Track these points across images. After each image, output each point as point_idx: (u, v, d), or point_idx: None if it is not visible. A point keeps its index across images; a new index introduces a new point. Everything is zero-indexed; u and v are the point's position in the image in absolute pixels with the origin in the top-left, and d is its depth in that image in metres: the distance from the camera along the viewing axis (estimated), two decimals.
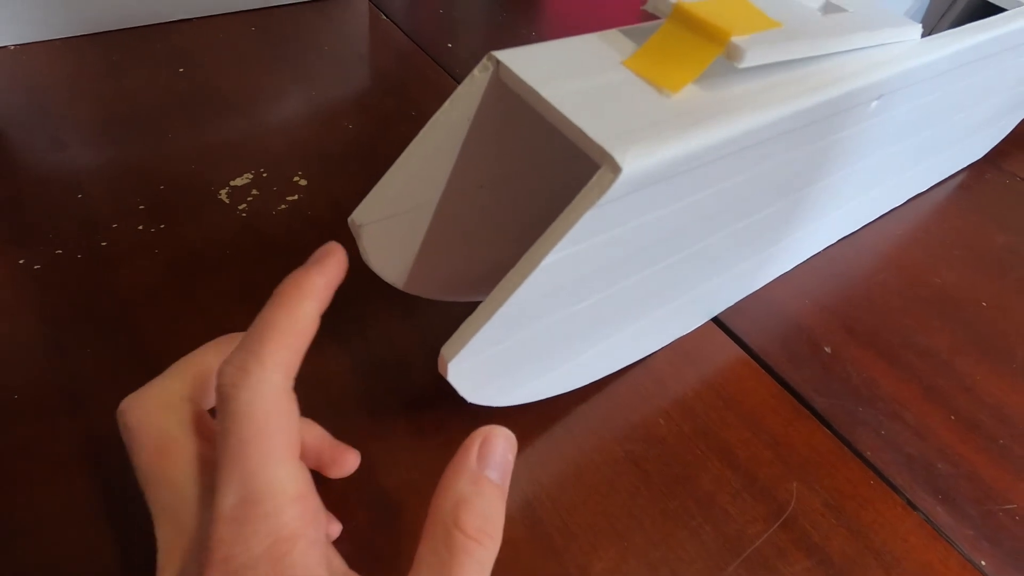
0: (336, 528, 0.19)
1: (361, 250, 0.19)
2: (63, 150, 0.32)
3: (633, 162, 0.14)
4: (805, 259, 0.31)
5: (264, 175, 0.32)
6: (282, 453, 0.13)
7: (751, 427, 0.24)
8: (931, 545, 0.22)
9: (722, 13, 0.17)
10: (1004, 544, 0.22)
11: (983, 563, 0.21)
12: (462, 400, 0.19)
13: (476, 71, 0.17)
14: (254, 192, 0.31)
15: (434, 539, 0.14)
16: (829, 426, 0.25)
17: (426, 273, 0.21)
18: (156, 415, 0.15)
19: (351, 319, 0.26)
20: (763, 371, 0.26)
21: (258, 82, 0.38)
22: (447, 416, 0.23)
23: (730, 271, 0.26)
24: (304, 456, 0.17)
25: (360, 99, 0.38)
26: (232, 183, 0.31)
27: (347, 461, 0.20)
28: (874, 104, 0.22)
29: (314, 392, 0.23)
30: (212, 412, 0.16)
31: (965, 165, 0.39)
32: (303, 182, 0.32)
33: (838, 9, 0.21)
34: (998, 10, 0.28)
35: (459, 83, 0.20)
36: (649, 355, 0.26)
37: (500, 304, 0.15)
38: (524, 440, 0.23)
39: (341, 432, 0.22)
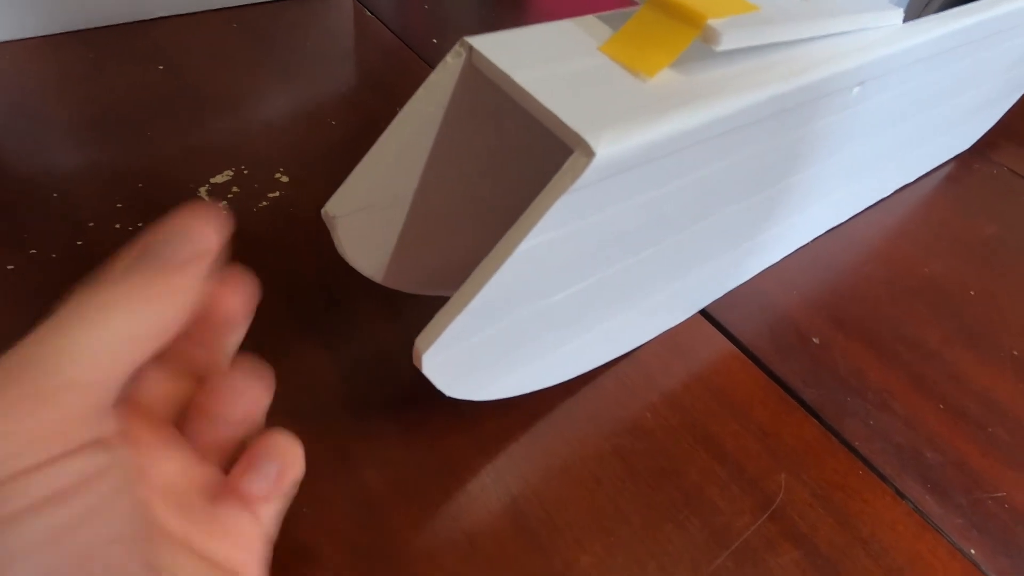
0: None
1: (336, 242, 0.19)
2: (39, 148, 0.31)
3: (607, 146, 0.14)
4: (793, 251, 0.31)
5: (245, 172, 0.31)
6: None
7: (739, 419, 0.24)
8: (920, 534, 0.21)
9: None
10: (993, 532, 0.22)
11: (972, 551, 0.21)
12: (447, 396, 0.19)
13: (448, 57, 0.17)
14: (234, 189, 0.30)
15: None
16: (817, 417, 0.25)
17: (405, 266, 0.21)
18: None
19: (332, 315, 0.25)
20: (751, 363, 0.26)
21: (240, 79, 0.37)
22: (431, 413, 0.23)
23: (716, 262, 0.25)
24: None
25: (344, 96, 0.37)
26: (212, 180, 0.31)
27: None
28: (856, 90, 0.21)
29: (295, 390, 0.23)
30: None
31: (952, 156, 0.39)
32: (285, 179, 0.31)
33: None
34: None
35: None
36: (636, 348, 0.26)
37: (474, 294, 0.14)
38: (509, 434, 0.22)
39: (323, 431, 0.22)
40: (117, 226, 0.28)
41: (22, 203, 0.28)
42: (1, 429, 0.10)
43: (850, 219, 0.33)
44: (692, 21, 0.16)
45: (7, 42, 0.37)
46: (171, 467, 0.13)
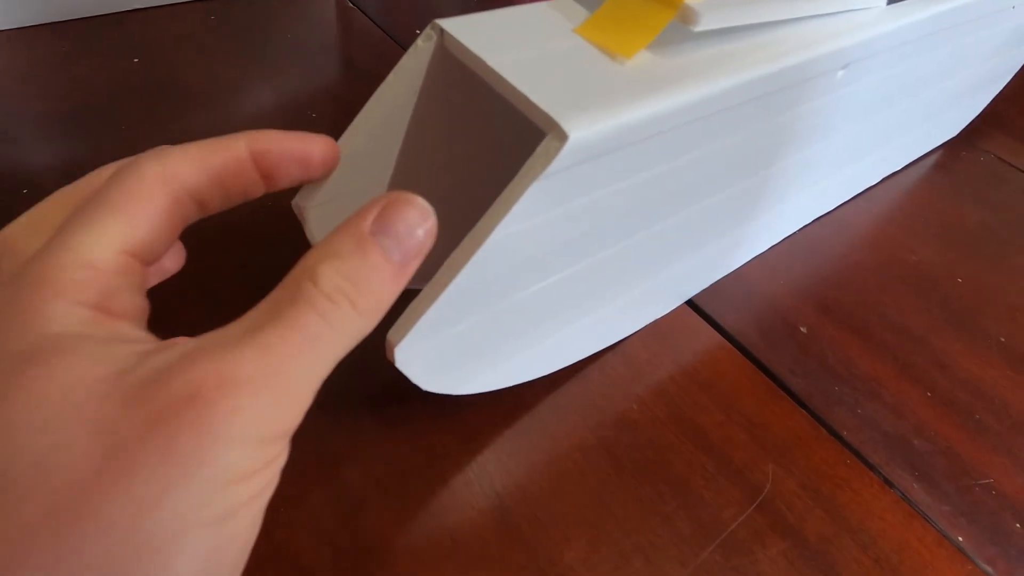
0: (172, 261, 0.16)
1: (308, 234, 0.18)
2: (10, 144, 0.30)
3: (581, 130, 0.13)
4: (780, 239, 0.30)
5: None
6: (104, 225, 0.12)
7: (726, 410, 0.24)
8: (908, 523, 0.21)
9: None
10: (981, 520, 0.22)
11: (960, 539, 0.21)
12: (430, 391, 0.18)
13: (419, 41, 0.16)
14: None
15: (279, 289, 0.12)
16: (805, 406, 0.24)
17: None
18: (21, 237, 0.13)
19: None
20: (738, 353, 0.26)
21: (217, 72, 0.37)
22: (413, 408, 0.22)
23: (702, 251, 0.25)
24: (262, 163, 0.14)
25: (327, 88, 0.37)
26: None
27: (314, 149, 0.15)
28: (840, 74, 0.21)
29: None
30: None
31: (940, 143, 0.39)
32: None
33: None
34: None
35: None
36: (622, 340, 0.25)
37: (446, 285, 0.14)
38: (493, 428, 0.22)
39: (300, 428, 0.22)
40: None
41: None
42: None
43: (837, 207, 0.33)
44: (669, 1, 0.15)
45: None
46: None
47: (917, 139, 0.35)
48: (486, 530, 0.20)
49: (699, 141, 0.18)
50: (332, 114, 0.35)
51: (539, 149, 0.14)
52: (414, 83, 0.17)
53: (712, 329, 0.27)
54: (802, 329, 0.27)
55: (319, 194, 0.17)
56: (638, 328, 0.26)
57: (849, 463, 0.23)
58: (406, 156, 0.18)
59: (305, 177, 0.16)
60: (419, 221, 0.13)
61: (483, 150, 0.20)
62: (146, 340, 0.12)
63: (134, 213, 0.12)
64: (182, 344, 0.11)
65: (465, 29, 0.16)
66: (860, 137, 0.28)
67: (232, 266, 0.26)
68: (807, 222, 0.32)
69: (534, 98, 0.14)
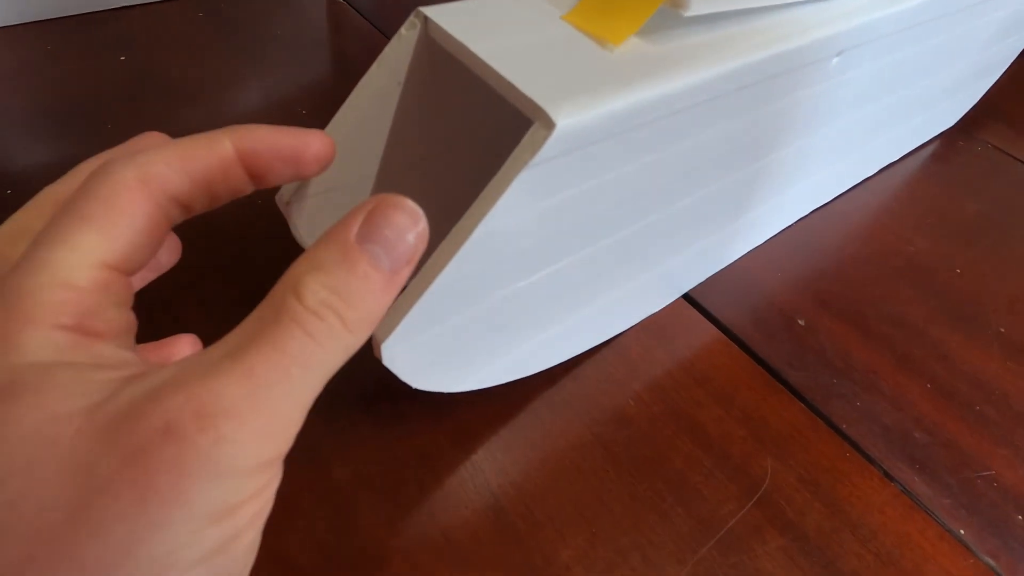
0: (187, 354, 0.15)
1: (293, 229, 0.18)
2: None
3: (568, 117, 0.13)
4: (776, 232, 0.30)
5: None
6: (80, 240, 0.11)
7: (724, 405, 0.23)
8: (909, 516, 0.21)
9: None
10: (982, 512, 0.21)
11: (961, 532, 0.21)
12: (420, 389, 0.18)
13: (403, 29, 0.16)
14: None
15: (263, 306, 0.11)
16: (803, 400, 0.24)
17: None
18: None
19: None
20: (735, 347, 0.26)
21: (206, 69, 0.36)
22: (406, 406, 0.22)
23: (697, 245, 0.25)
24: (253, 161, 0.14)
25: (317, 84, 0.36)
26: None
27: (307, 147, 0.14)
28: (835, 61, 0.21)
29: None
30: None
31: (936, 133, 0.38)
32: None
33: None
34: None
35: None
36: (618, 335, 0.25)
37: (432, 280, 0.14)
38: (487, 426, 0.22)
39: None
40: None
41: None
42: None
43: (834, 199, 0.33)
44: None
45: None
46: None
47: (914, 129, 0.35)
48: (481, 529, 0.19)
49: (690, 130, 0.17)
50: (322, 110, 0.34)
51: (526, 138, 0.13)
52: (398, 73, 0.16)
53: (709, 323, 0.26)
54: (800, 322, 0.27)
55: (303, 188, 0.17)
56: (634, 323, 0.25)
57: (848, 456, 0.22)
58: (392, 147, 0.18)
59: (298, 175, 0.15)
60: (409, 225, 0.12)
61: (471, 140, 0.20)
62: (127, 363, 0.11)
63: (112, 224, 0.12)
64: (162, 370, 0.11)
65: (449, 16, 0.15)
66: (856, 127, 0.28)
67: (222, 262, 0.26)
68: (804, 214, 0.31)
69: (520, 85, 0.13)
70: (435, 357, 0.16)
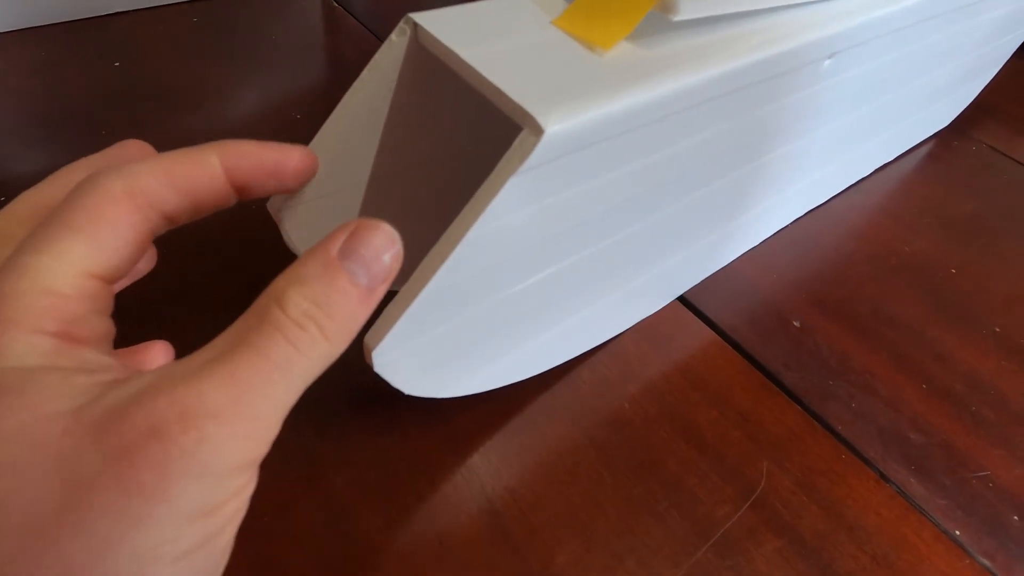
0: (160, 361, 0.16)
1: (284, 236, 0.18)
2: None
3: (557, 123, 0.13)
4: (771, 233, 0.30)
5: None
6: (67, 248, 0.11)
7: (719, 407, 0.23)
8: (905, 517, 0.21)
9: None
10: (978, 512, 0.21)
11: (957, 533, 0.21)
12: (414, 395, 0.18)
13: (393, 35, 0.16)
14: None
15: (246, 316, 0.12)
16: (799, 402, 0.24)
17: None
18: None
19: None
20: (731, 349, 0.26)
21: (200, 75, 0.36)
22: (401, 411, 0.22)
23: (692, 247, 0.25)
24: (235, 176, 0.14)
25: (312, 90, 0.36)
26: None
27: (288, 161, 0.15)
28: (827, 63, 0.21)
29: None
30: None
31: (931, 133, 0.38)
32: None
33: None
34: None
35: None
36: (613, 338, 0.25)
37: (423, 286, 0.14)
38: (482, 430, 0.22)
39: (285, 434, 0.21)
40: None
41: None
42: None
43: (829, 199, 0.33)
44: None
45: None
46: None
47: (908, 129, 0.35)
48: (476, 534, 0.19)
49: (682, 133, 0.17)
50: (317, 115, 0.34)
51: (515, 144, 0.13)
52: (389, 79, 0.17)
53: (704, 325, 0.26)
54: (795, 323, 0.27)
55: (295, 195, 0.17)
56: (629, 326, 0.25)
57: (844, 458, 0.22)
58: (384, 154, 0.18)
59: (281, 189, 0.16)
60: (386, 246, 0.13)
61: (462, 146, 0.20)
62: (110, 368, 0.12)
63: (98, 235, 0.12)
64: (146, 375, 0.11)
65: (439, 23, 0.15)
66: (850, 128, 0.28)
67: (211, 269, 0.26)
68: (799, 215, 0.31)
69: (509, 91, 0.13)
70: (427, 363, 0.16)
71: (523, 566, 0.19)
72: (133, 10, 0.40)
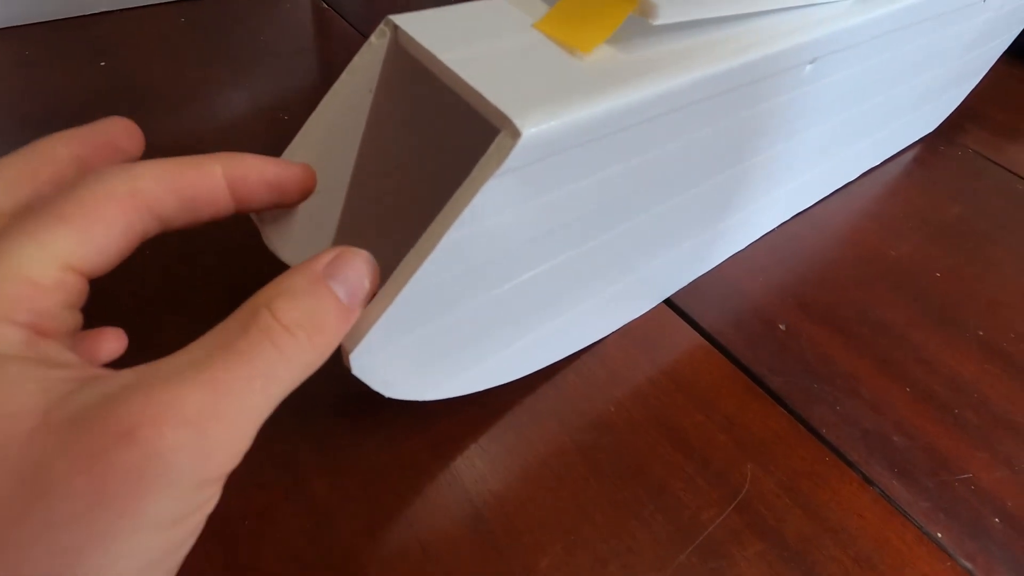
0: (113, 347, 0.15)
1: (265, 238, 0.18)
2: None
3: (535, 126, 0.13)
4: (757, 237, 0.30)
5: None
6: (53, 238, 0.11)
7: (705, 410, 0.23)
8: (887, 520, 0.21)
9: None
10: (960, 515, 0.21)
11: (939, 535, 0.21)
12: (394, 398, 0.18)
13: (373, 38, 0.16)
14: None
15: (230, 320, 0.12)
16: (784, 405, 0.24)
17: None
18: None
19: None
20: (717, 352, 0.26)
21: (188, 76, 0.36)
22: (384, 415, 0.22)
23: (677, 249, 0.25)
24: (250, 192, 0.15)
25: (299, 91, 0.36)
26: None
27: (290, 177, 0.16)
28: (809, 68, 0.21)
29: None
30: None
31: (917, 138, 0.39)
32: None
33: None
34: None
35: None
36: (599, 341, 0.25)
37: (401, 288, 0.14)
38: (466, 434, 0.22)
39: (266, 436, 0.21)
40: None
41: None
42: None
43: (816, 203, 0.33)
44: None
45: None
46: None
47: (894, 134, 0.35)
48: (459, 539, 0.19)
49: (663, 137, 0.17)
50: (305, 117, 0.34)
51: (492, 147, 0.13)
52: (369, 81, 0.16)
53: (690, 328, 0.26)
54: (781, 327, 0.27)
55: None
56: (614, 329, 0.25)
57: (828, 461, 0.22)
58: (364, 156, 0.18)
59: (280, 203, 0.16)
60: (366, 271, 0.13)
61: (443, 149, 0.20)
62: (74, 364, 0.11)
63: (88, 229, 0.12)
64: (122, 374, 0.11)
65: (419, 25, 0.15)
66: (835, 132, 0.28)
67: (200, 274, 0.26)
68: (785, 219, 0.31)
69: (486, 94, 0.13)
70: (407, 366, 0.16)
71: (506, 570, 0.19)
72: (119, 9, 0.40)
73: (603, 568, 0.19)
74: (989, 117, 0.42)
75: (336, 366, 0.23)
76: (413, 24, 0.15)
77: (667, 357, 0.25)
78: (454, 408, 0.22)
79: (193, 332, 0.13)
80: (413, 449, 0.21)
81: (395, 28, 0.16)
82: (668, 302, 0.27)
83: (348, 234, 0.19)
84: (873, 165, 0.36)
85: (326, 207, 0.18)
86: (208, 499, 0.11)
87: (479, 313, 0.17)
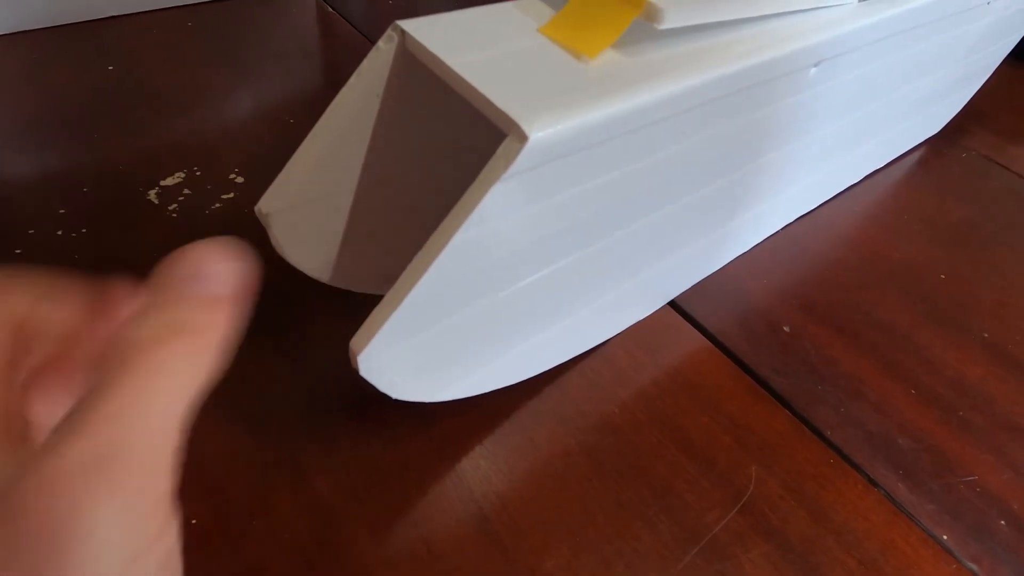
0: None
1: (273, 241, 0.18)
2: None
3: (541, 130, 0.13)
4: (762, 239, 0.30)
5: (197, 174, 0.30)
6: None
7: (709, 412, 0.24)
8: (892, 522, 0.21)
9: None
10: (965, 517, 0.21)
11: (944, 537, 0.21)
12: (401, 400, 0.18)
13: (381, 43, 0.16)
14: (186, 192, 0.29)
15: (103, 359, 0.10)
16: (788, 406, 0.24)
17: (352, 264, 0.20)
18: None
19: (286, 318, 0.24)
20: (721, 354, 0.26)
21: (194, 78, 0.36)
22: (389, 416, 0.22)
23: (682, 252, 0.25)
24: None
25: (305, 94, 0.36)
26: (162, 183, 0.29)
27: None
28: (813, 71, 0.21)
29: (247, 394, 0.22)
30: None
31: (922, 140, 0.39)
32: (240, 180, 0.30)
33: None
34: None
35: None
36: (603, 342, 0.25)
37: (408, 291, 0.14)
38: (471, 435, 0.22)
39: (273, 437, 0.21)
40: (59, 232, 0.27)
41: None
42: None
43: (820, 205, 0.33)
44: (633, 0, 0.15)
45: None
46: None
47: (898, 136, 0.35)
48: (464, 539, 0.19)
49: (669, 140, 0.17)
50: (310, 119, 0.34)
51: (499, 150, 0.13)
52: (376, 85, 0.17)
53: (695, 330, 0.26)
54: (785, 328, 0.27)
55: (283, 200, 0.17)
56: (619, 330, 0.25)
57: (833, 463, 0.22)
58: (372, 159, 0.18)
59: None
60: (219, 259, 0.12)
61: (450, 152, 0.20)
62: None
63: None
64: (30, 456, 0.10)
65: (426, 30, 0.15)
66: (839, 134, 0.28)
67: None
68: (789, 221, 0.31)
69: (493, 99, 0.13)
70: (414, 368, 0.17)
71: (512, 571, 0.19)
72: (127, 14, 0.40)
73: (608, 569, 0.19)
74: (994, 119, 0.42)
75: (343, 369, 0.23)
76: (421, 29, 0.15)
77: (671, 359, 0.25)
78: (459, 409, 0.22)
79: None
80: (418, 450, 0.21)
81: (403, 33, 0.16)
82: (672, 304, 0.27)
83: (355, 236, 0.20)
84: (878, 167, 0.36)
85: (334, 208, 0.18)
86: (161, 526, 0.10)
87: (486, 315, 0.17)
